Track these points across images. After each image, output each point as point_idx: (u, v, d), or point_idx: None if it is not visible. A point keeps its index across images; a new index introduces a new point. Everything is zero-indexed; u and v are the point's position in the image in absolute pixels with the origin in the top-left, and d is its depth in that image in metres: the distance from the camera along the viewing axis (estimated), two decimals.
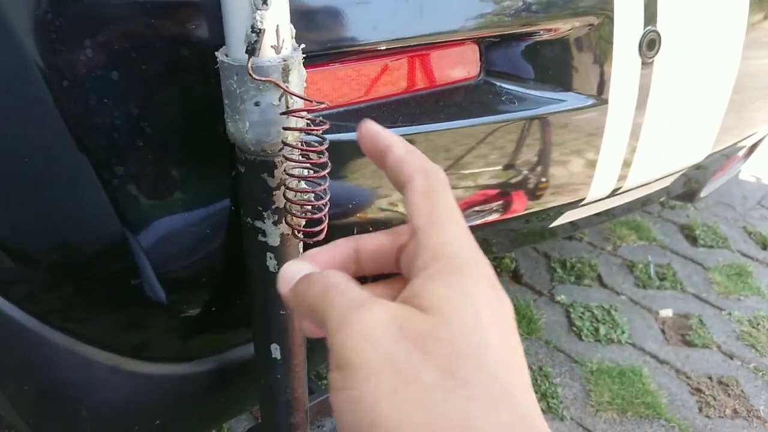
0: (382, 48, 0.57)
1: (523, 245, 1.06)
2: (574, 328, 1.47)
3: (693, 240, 1.83)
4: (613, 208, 0.95)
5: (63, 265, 0.57)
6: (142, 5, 0.48)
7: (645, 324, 1.50)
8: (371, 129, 0.35)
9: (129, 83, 0.49)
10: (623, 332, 1.47)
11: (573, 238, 1.80)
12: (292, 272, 0.35)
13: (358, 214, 0.63)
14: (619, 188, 0.80)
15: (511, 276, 1.65)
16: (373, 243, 0.38)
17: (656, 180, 0.86)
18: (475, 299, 0.30)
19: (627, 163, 0.77)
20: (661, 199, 1.02)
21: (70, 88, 0.48)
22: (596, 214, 0.93)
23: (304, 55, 0.46)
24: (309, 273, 0.34)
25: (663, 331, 1.49)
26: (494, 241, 0.83)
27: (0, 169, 0.51)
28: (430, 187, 0.34)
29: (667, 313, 1.55)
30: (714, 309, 1.56)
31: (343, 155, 0.56)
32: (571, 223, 0.91)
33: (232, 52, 0.44)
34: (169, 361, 0.66)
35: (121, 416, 0.67)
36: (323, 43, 0.54)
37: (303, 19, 0.51)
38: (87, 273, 0.58)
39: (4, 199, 0.53)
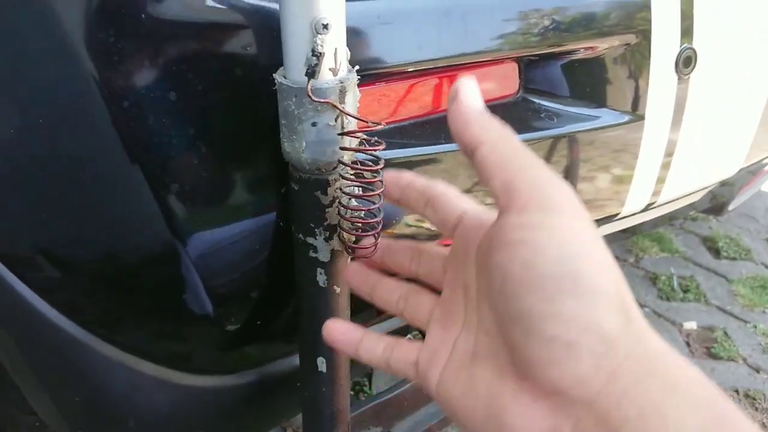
0: (426, 68, 0.58)
1: None
2: None
3: (716, 252, 1.82)
4: (643, 223, 0.96)
5: (111, 275, 0.59)
6: (199, 27, 0.50)
7: (669, 337, 1.50)
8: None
9: (185, 103, 0.50)
10: None
11: None
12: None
13: (394, 228, 0.64)
14: (653, 203, 0.80)
15: None
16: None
17: (688, 195, 0.86)
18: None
19: (661, 178, 0.77)
20: (690, 213, 1.03)
21: (129, 108, 0.49)
22: (625, 230, 0.93)
23: (358, 77, 0.48)
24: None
25: (688, 344, 1.49)
26: None
27: (59, 181, 0.53)
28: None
29: (691, 325, 1.54)
30: (739, 321, 1.56)
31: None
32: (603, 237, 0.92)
33: (291, 75, 0.45)
34: (213, 374, 0.67)
35: (165, 428, 0.68)
36: (371, 62, 0.55)
37: (354, 40, 0.52)
38: (135, 283, 0.59)
39: (61, 209, 0.55)
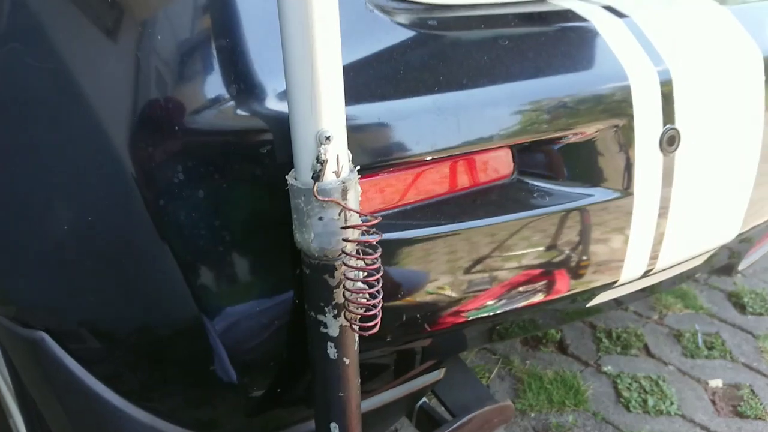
0: (424, 158, 0.65)
1: (568, 322, 1.10)
2: (622, 400, 1.48)
3: (741, 308, 1.82)
4: (650, 286, 1.00)
5: (146, 347, 0.66)
6: (226, 134, 0.58)
7: (694, 395, 1.50)
8: None
9: (212, 199, 0.58)
10: (672, 403, 1.47)
11: (618, 308, 1.82)
12: None
13: (406, 298, 0.70)
14: (651, 269, 0.85)
15: (556, 346, 1.67)
16: None
17: (687, 260, 0.90)
18: None
19: (656, 247, 0.82)
20: (697, 275, 1.06)
21: (165, 204, 0.58)
22: (633, 293, 0.98)
23: (361, 172, 0.55)
24: None
25: (713, 402, 1.49)
26: (539, 320, 0.89)
27: (103, 264, 0.61)
28: None
29: (716, 383, 1.54)
30: (766, 379, 1.55)
31: (393, 249, 0.64)
32: (615, 300, 0.97)
33: (301, 177, 0.53)
34: None
35: None
36: (374, 157, 0.63)
37: (357, 138, 0.60)
38: (167, 354, 0.66)
39: (104, 288, 0.62)
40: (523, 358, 1.62)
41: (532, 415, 1.44)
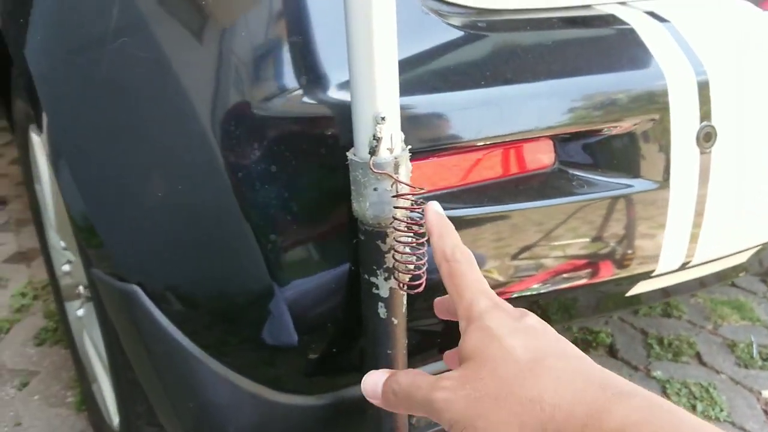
0: (470, 146, 0.73)
1: (609, 312, 1.14)
2: None
3: None
4: (693, 281, 1.03)
5: (223, 309, 0.75)
6: (293, 120, 0.67)
7: (746, 404, 1.50)
8: (428, 212, 0.55)
9: (283, 174, 0.67)
10: (722, 410, 1.47)
11: (671, 316, 1.82)
12: (375, 381, 0.54)
13: None
14: (689, 262, 0.89)
15: (606, 350, 1.70)
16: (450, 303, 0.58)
17: (727, 256, 0.94)
18: (493, 331, 0.46)
19: (693, 240, 0.86)
20: (741, 275, 1.09)
21: (243, 178, 0.67)
22: (675, 285, 1.01)
23: (411, 153, 0.63)
24: (391, 377, 0.53)
25: (766, 412, 1.48)
26: (577, 304, 0.94)
27: (188, 233, 0.71)
28: (451, 269, 0.52)
29: None
30: None
31: None
32: (658, 290, 1.00)
33: (359, 152, 0.61)
34: (297, 393, 0.82)
35: None
36: (425, 142, 0.71)
37: (411, 125, 0.68)
38: (242, 316, 0.76)
39: (184, 256, 0.72)
40: None
41: None
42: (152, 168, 0.69)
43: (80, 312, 1.29)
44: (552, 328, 0.48)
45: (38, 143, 1.19)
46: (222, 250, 0.71)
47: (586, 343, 1.71)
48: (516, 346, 0.44)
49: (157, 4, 0.68)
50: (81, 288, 1.21)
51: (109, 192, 0.72)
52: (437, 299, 0.64)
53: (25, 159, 1.35)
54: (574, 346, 0.46)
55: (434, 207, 0.57)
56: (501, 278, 0.79)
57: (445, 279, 0.53)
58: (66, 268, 1.33)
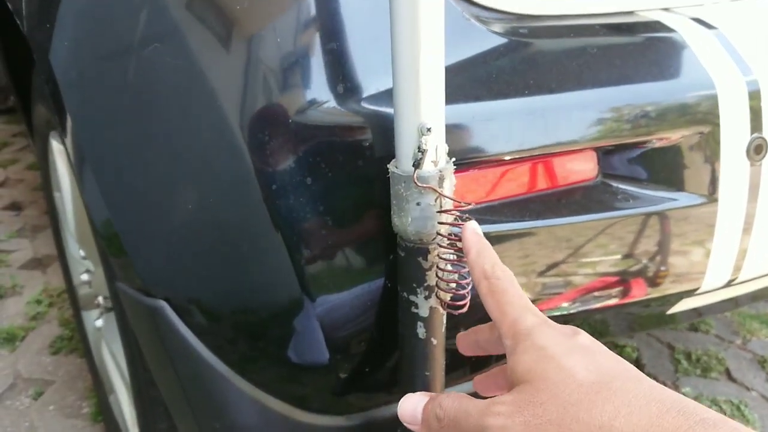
0: (513, 157, 0.69)
1: (644, 330, 1.10)
2: None
3: None
4: (736, 297, 0.99)
5: (250, 324, 0.72)
6: (331, 128, 0.64)
7: None
8: (465, 231, 0.53)
9: (318, 186, 0.64)
10: (755, 429, 1.42)
11: (698, 330, 1.78)
12: (413, 406, 0.51)
13: None
14: (735, 279, 0.85)
15: (633, 364, 1.65)
16: (484, 333, 0.55)
17: None
18: (548, 351, 0.43)
19: (741, 256, 0.83)
20: None
21: (277, 190, 0.64)
22: (716, 303, 0.97)
23: (455, 166, 0.60)
24: (433, 401, 0.49)
25: None
26: (613, 323, 0.90)
27: (214, 248, 0.68)
28: (491, 286, 0.49)
29: None
30: None
31: None
32: (693, 310, 0.97)
33: (402, 165, 0.58)
34: (326, 413, 0.78)
35: None
36: (466, 153, 0.68)
37: (451, 134, 0.65)
38: (270, 331, 0.73)
39: (214, 271, 0.69)
40: None
41: None
42: (182, 179, 0.67)
43: (99, 322, 1.26)
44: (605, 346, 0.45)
45: (59, 150, 1.17)
46: (253, 263, 0.68)
47: None
48: (576, 367, 0.41)
49: (189, 10, 0.65)
50: (101, 299, 1.19)
51: (137, 203, 0.70)
52: (460, 334, 0.60)
53: (44, 166, 1.33)
54: (635, 367, 0.43)
55: (472, 226, 0.55)
56: (530, 295, 0.76)
57: (485, 297, 0.50)
58: (84, 277, 1.31)
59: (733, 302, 1.02)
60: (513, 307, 0.48)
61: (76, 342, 1.73)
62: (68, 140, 0.78)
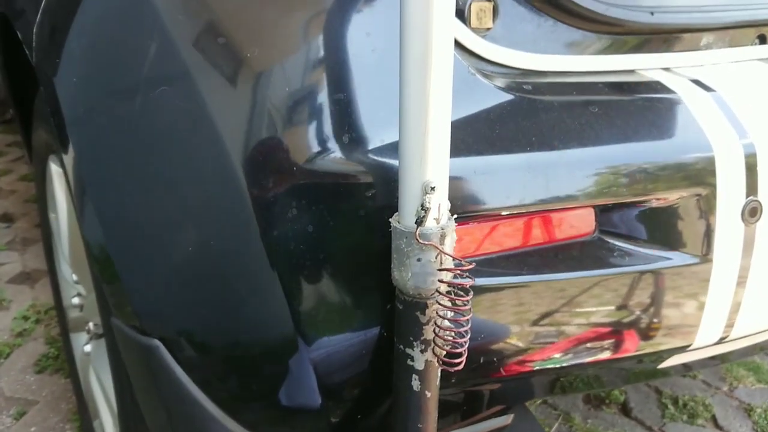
0: (512, 212, 0.70)
1: (635, 382, 1.11)
2: None
3: None
4: (724, 354, 1.00)
5: (241, 361, 0.72)
6: (333, 178, 0.65)
7: None
8: None
9: (320, 235, 0.65)
10: None
11: (686, 376, 1.78)
12: None
13: (490, 345, 0.74)
14: (726, 336, 0.86)
15: (620, 408, 1.65)
16: None
17: (765, 330, 0.91)
18: None
19: (733, 314, 0.84)
20: None
21: (278, 236, 0.64)
22: (708, 358, 0.98)
23: (458, 217, 0.61)
24: None
25: None
26: (605, 378, 0.91)
27: (213, 292, 0.68)
28: None
29: None
30: None
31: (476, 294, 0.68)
32: (684, 365, 0.97)
33: (404, 221, 0.59)
34: None
35: None
36: (467, 206, 0.68)
37: (453, 188, 0.65)
38: (260, 371, 0.72)
39: (211, 315, 0.69)
40: (585, 416, 1.61)
41: None
42: (184, 221, 0.67)
43: (88, 347, 1.25)
44: None
45: (57, 173, 1.17)
46: (252, 308, 0.68)
47: (599, 400, 1.67)
48: None
49: (200, 54, 0.66)
50: (91, 325, 1.18)
51: (137, 240, 0.70)
52: None
53: (41, 186, 1.33)
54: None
55: None
56: (523, 346, 0.76)
57: None
58: (75, 300, 1.30)
59: (724, 357, 1.03)
60: None
61: (62, 362, 1.71)
62: (70, 173, 0.78)
